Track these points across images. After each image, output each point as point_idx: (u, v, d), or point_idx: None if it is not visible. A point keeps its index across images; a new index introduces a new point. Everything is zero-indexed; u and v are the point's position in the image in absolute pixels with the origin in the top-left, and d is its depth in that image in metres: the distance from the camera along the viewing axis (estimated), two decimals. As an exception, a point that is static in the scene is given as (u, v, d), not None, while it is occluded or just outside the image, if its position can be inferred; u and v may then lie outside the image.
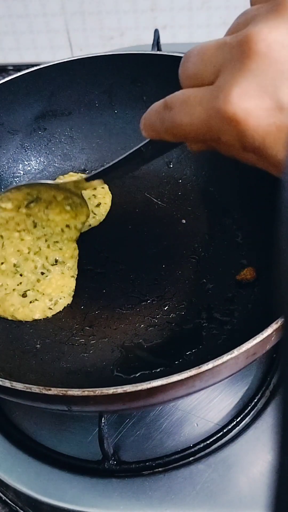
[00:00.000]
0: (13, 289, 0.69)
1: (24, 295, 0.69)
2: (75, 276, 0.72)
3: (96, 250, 0.75)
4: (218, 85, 0.39)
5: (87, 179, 0.63)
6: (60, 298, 0.69)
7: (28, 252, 0.69)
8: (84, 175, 0.83)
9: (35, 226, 0.69)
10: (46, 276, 0.70)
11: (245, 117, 0.38)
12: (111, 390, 0.47)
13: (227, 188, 0.78)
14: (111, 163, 0.59)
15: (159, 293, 0.69)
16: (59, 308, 0.69)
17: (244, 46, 0.38)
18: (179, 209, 0.79)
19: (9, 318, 0.68)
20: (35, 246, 0.70)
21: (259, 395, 0.64)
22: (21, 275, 0.69)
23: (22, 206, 0.68)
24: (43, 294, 0.69)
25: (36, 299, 0.68)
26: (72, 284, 0.71)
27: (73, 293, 0.70)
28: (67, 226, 0.70)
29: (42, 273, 0.69)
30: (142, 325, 0.66)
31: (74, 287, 0.71)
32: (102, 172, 0.60)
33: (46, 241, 0.70)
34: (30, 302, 0.68)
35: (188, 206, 0.79)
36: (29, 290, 0.69)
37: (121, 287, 0.70)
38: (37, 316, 0.68)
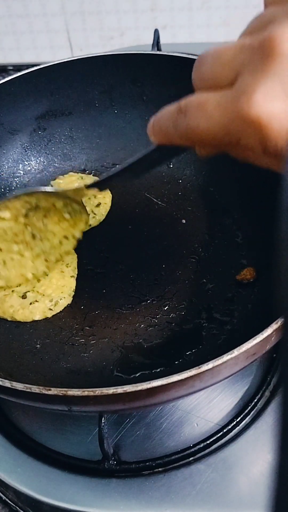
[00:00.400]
0: (12, 291, 0.69)
1: (24, 297, 0.68)
2: (75, 276, 0.72)
3: (96, 250, 0.75)
4: (239, 88, 0.38)
5: (88, 187, 0.62)
6: (61, 299, 0.69)
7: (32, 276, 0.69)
8: (85, 178, 0.83)
9: (34, 238, 0.68)
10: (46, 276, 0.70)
11: (269, 120, 0.37)
12: (111, 390, 0.47)
13: (227, 188, 0.78)
14: (114, 171, 0.57)
15: (159, 293, 0.69)
16: (59, 308, 0.69)
17: (266, 47, 0.36)
18: (179, 209, 0.79)
19: (9, 319, 0.68)
20: (34, 268, 0.70)
21: (259, 395, 0.64)
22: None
23: (21, 216, 0.68)
24: (43, 295, 0.69)
25: (36, 300, 0.68)
26: (72, 284, 0.71)
27: (73, 293, 0.70)
28: (65, 237, 0.69)
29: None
30: (142, 325, 0.66)
31: (74, 287, 0.71)
32: (105, 180, 0.59)
33: (46, 260, 0.69)
34: (30, 303, 0.68)
35: (188, 206, 0.79)
36: (29, 291, 0.69)
37: (121, 287, 0.70)
38: (37, 317, 0.68)
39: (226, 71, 0.39)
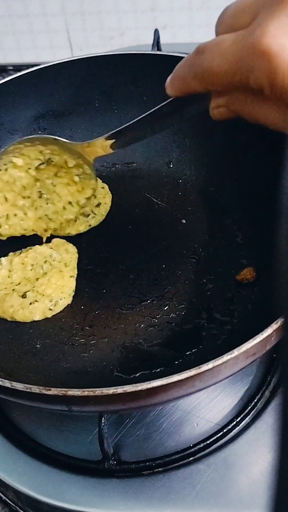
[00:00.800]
0: (13, 289, 0.69)
1: (23, 296, 0.68)
2: (75, 276, 0.72)
3: (96, 250, 0.75)
4: (254, 25, 0.40)
5: (107, 138, 0.61)
6: (61, 299, 0.69)
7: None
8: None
9: (40, 197, 0.68)
10: (45, 274, 0.70)
11: (279, 51, 0.38)
12: (111, 390, 0.47)
13: (227, 188, 0.78)
14: (129, 124, 0.58)
15: (159, 293, 0.69)
16: (59, 308, 0.69)
17: None
18: (179, 209, 0.79)
19: (9, 319, 0.68)
20: (34, 230, 0.70)
21: (259, 395, 0.64)
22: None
23: (32, 168, 0.66)
24: (43, 295, 0.69)
25: (36, 300, 0.68)
26: (72, 284, 0.71)
27: (73, 293, 0.70)
28: (70, 203, 0.69)
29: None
30: (142, 325, 0.66)
31: (74, 287, 0.71)
32: (122, 131, 0.59)
33: (46, 227, 0.69)
34: (30, 303, 0.68)
35: (188, 206, 0.79)
36: (28, 291, 0.69)
37: (121, 287, 0.70)
38: (37, 317, 0.68)
39: (245, 15, 0.42)
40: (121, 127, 0.60)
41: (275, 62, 0.38)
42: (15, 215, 0.69)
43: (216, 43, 0.43)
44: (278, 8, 0.39)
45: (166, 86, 0.50)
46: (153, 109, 0.55)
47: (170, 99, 0.52)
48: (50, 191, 0.68)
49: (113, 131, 0.61)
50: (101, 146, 0.63)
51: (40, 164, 0.66)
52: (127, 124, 0.59)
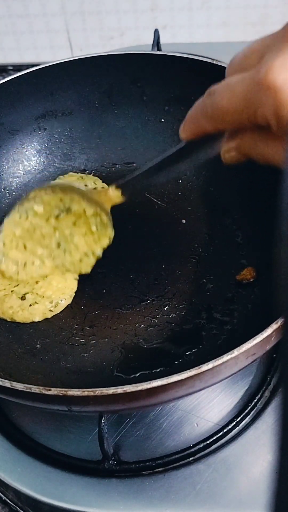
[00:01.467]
0: (11, 291, 0.69)
1: (23, 298, 0.68)
2: (78, 278, 0.71)
3: (96, 250, 0.75)
4: (261, 63, 0.42)
5: (120, 186, 0.63)
6: (61, 300, 0.69)
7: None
8: (85, 179, 0.83)
9: (58, 247, 0.68)
10: (46, 276, 0.70)
11: (283, 85, 0.40)
12: (111, 390, 0.47)
13: (227, 188, 0.78)
14: (140, 171, 0.59)
15: (159, 293, 0.69)
16: (59, 309, 0.69)
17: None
18: (179, 209, 0.79)
19: (8, 320, 0.68)
20: (51, 273, 0.70)
21: (259, 395, 0.64)
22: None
23: (52, 217, 0.67)
24: (43, 297, 0.68)
25: (35, 302, 0.68)
26: (74, 286, 0.70)
27: (74, 294, 0.70)
28: (86, 254, 0.69)
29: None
30: (142, 325, 0.66)
31: (75, 289, 0.70)
32: (131, 181, 0.60)
33: (62, 271, 0.69)
34: (30, 305, 0.68)
35: (188, 206, 0.79)
36: (28, 293, 0.69)
37: (121, 287, 0.70)
38: (37, 319, 0.68)
39: (253, 56, 0.45)
40: (131, 177, 0.61)
41: (280, 96, 0.40)
42: (33, 263, 0.68)
43: (226, 83, 0.45)
44: (283, 46, 0.41)
45: (180, 132, 0.51)
46: (164, 156, 0.55)
47: (182, 144, 0.53)
48: (68, 241, 0.69)
49: (124, 181, 0.62)
50: (115, 195, 0.64)
51: (60, 213, 0.67)
52: (137, 173, 0.60)
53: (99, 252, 0.68)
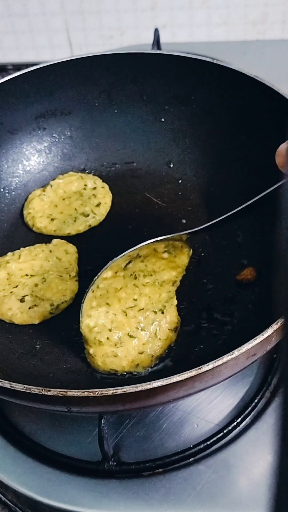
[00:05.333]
0: (11, 292, 0.69)
1: (22, 300, 0.68)
2: (77, 279, 0.71)
3: (96, 250, 0.75)
4: None
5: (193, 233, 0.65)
6: (62, 302, 0.68)
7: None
8: (84, 178, 0.82)
9: (135, 278, 0.66)
10: (44, 281, 0.70)
11: None
12: (110, 391, 0.47)
13: (227, 188, 0.78)
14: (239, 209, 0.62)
15: (159, 293, 0.69)
16: (60, 311, 0.68)
17: None
18: (179, 209, 0.79)
19: (7, 321, 0.68)
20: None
21: (260, 396, 0.64)
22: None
23: (120, 270, 0.65)
24: (43, 299, 0.68)
25: (35, 305, 0.68)
26: (75, 287, 0.70)
27: (74, 296, 0.70)
28: (173, 283, 0.67)
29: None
30: (142, 325, 0.66)
31: (76, 290, 0.70)
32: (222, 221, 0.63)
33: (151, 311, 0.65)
34: (29, 307, 0.67)
35: (188, 206, 0.79)
36: (27, 295, 0.68)
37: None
38: (37, 321, 0.67)
39: None
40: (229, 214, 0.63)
41: None
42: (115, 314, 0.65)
43: None
44: None
45: (280, 164, 0.47)
46: (271, 189, 0.55)
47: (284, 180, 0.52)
48: (143, 269, 0.67)
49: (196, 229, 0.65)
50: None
51: (128, 264, 0.66)
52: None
53: (181, 269, 0.68)
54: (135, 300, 0.64)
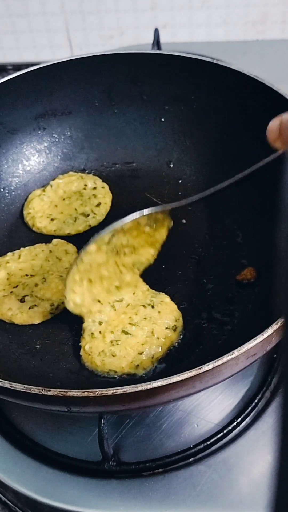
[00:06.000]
0: (11, 292, 0.69)
1: (22, 300, 0.68)
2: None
3: (96, 250, 0.75)
4: None
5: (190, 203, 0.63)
6: (62, 302, 0.68)
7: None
8: (84, 178, 0.82)
9: (117, 253, 0.66)
10: (44, 281, 0.70)
11: None
12: (110, 391, 0.47)
13: (227, 188, 0.78)
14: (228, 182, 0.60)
15: (159, 293, 0.69)
16: (60, 311, 0.68)
17: None
18: (179, 209, 0.79)
19: (7, 321, 0.68)
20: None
21: (260, 396, 0.64)
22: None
23: (104, 244, 0.65)
24: (42, 299, 0.68)
25: (35, 305, 0.68)
26: None
27: None
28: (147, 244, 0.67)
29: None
30: (142, 325, 0.66)
31: None
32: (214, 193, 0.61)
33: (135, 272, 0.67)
34: (29, 307, 0.67)
35: (188, 206, 0.79)
36: (27, 295, 0.68)
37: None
38: (37, 321, 0.68)
39: None
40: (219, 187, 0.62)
41: None
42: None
43: None
44: None
45: (272, 139, 0.48)
46: (261, 164, 0.55)
47: (278, 154, 0.52)
48: (124, 245, 0.66)
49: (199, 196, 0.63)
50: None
51: (111, 238, 0.65)
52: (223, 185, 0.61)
53: (160, 241, 0.67)
54: (117, 287, 0.65)
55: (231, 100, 0.77)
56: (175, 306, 0.66)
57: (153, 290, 0.68)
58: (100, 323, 0.64)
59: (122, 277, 0.65)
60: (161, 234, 0.67)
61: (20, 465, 0.60)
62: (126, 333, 0.63)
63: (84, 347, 0.63)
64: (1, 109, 0.80)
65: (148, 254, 0.66)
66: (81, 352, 0.63)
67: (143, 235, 0.66)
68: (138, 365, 0.61)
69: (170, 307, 0.65)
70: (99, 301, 0.64)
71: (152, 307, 0.65)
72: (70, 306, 0.63)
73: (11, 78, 0.79)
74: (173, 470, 0.59)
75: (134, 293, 0.66)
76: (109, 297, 0.65)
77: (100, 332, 0.63)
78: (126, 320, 0.64)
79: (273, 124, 0.48)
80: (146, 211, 0.64)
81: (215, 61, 0.78)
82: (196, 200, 0.62)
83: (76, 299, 0.63)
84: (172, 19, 1.14)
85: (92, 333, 0.63)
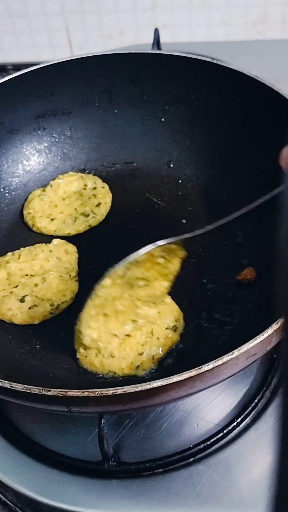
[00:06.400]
0: (11, 292, 0.69)
1: (22, 300, 0.68)
2: (78, 279, 0.71)
3: (96, 250, 0.75)
4: None
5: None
6: (62, 302, 0.68)
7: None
8: (84, 178, 0.83)
9: (131, 287, 0.65)
10: (44, 281, 0.70)
11: None
12: (110, 391, 0.47)
13: (227, 188, 0.78)
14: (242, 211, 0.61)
15: (159, 293, 0.69)
16: (60, 311, 0.68)
17: None
18: (179, 209, 0.79)
19: (7, 321, 0.68)
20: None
21: (260, 396, 0.64)
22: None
23: (118, 278, 0.64)
24: (42, 299, 0.68)
25: (35, 305, 0.68)
26: (75, 287, 0.70)
27: (75, 296, 0.70)
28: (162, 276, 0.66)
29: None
30: (142, 325, 0.66)
31: (77, 290, 0.70)
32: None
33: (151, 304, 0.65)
34: (29, 308, 0.67)
35: (188, 206, 0.79)
36: (27, 295, 0.68)
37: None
38: (37, 321, 0.67)
39: None
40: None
41: None
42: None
43: None
44: None
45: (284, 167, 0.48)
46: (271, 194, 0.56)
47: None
48: (139, 277, 0.65)
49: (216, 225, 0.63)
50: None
51: (125, 271, 0.64)
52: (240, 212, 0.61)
53: (175, 270, 0.65)
54: (132, 320, 0.64)
55: (231, 100, 0.77)
56: (176, 306, 0.66)
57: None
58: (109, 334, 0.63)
59: (137, 311, 0.64)
60: (175, 266, 0.66)
61: (20, 465, 0.60)
62: (125, 334, 0.62)
63: (79, 349, 0.62)
64: (1, 109, 0.80)
65: (162, 287, 0.66)
66: (78, 356, 0.63)
67: (156, 267, 0.66)
68: (138, 366, 0.61)
69: (170, 307, 0.65)
70: (116, 336, 0.63)
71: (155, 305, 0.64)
72: (87, 342, 0.62)
73: (11, 78, 0.79)
74: (173, 470, 0.59)
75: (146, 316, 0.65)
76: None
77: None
78: (129, 324, 0.63)
79: (286, 152, 0.48)
80: (160, 243, 0.64)
81: (215, 61, 0.77)
82: (211, 229, 0.63)
83: (93, 335, 0.62)
84: (172, 19, 1.14)
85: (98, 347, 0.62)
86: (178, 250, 0.65)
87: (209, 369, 0.47)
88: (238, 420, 0.62)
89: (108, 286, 0.64)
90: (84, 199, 0.80)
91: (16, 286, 0.70)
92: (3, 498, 0.62)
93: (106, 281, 0.63)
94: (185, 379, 0.46)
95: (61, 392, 0.47)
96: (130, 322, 0.63)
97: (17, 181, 0.83)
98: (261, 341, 0.48)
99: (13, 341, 0.67)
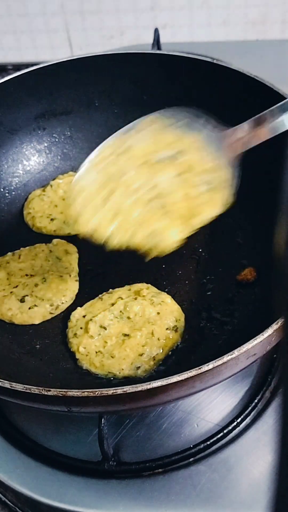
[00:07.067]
0: (11, 292, 0.69)
1: (22, 300, 0.68)
2: (78, 279, 0.71)
3: (96, 250, 0.75)
4: None
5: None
6: (62, 302, 0.68)
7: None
8: None
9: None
10: (44, 281, 0.70)
11: None
12: (110, 391, 0.47)
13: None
14: None
15: (159, 293, 0.69)
16: (60, 311, 0.68)
17: None
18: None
19: (7, 321, 0.68)
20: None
21: (260, 396, 0.64)
22: None
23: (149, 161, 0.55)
24: (42, 299, 0.68)
25: (35, 305, 0.68)
26: (75, 287, 0.70)
27: (75, 296, 0.70)
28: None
29: None
30: (142, 325, 0.66)
31: (77, 290, 0.70)
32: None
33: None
34: (29, 308, 0.67)
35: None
36: (27, 295, 0.68)
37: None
38: (37, 321, 0.67)
39: None
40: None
41: None
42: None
43: None
44: None
45: None
46: None
47: None
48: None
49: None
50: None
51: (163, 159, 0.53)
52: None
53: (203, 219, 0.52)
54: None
55: (231, 100, 0.77)
56: (177, 306, 0.66)
57: (155, 289, 0.68)
58: (83, 316, 0.65)
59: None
60: (213, 208, 0.55)
61: (20, 465, 0.60)
62: (125, 334, 0.62)
63: (78, 349, 0.62)
64: (1, 109, 0.80)
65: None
66: (78, 356, 0.63)
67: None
68: (139, 367, 0.61)
69: (171, 308, 0.65)
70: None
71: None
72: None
73: (11, 78, 0.79)
74: (173, 470, 0.59)
75: (135, 298, 0.66)
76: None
77: (81, 328, 0.64)
78: (127, 324, 0.64)
79: None
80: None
81: (215, 61, 0.77)
82: None
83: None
84: (172, 19, 1.14)
85: (75, 333, 0.64)
86: (227, 188, 0.55)
87: (209, 369, 0.47)
88: (238, 420, 0.62)
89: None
90: (84, 199, 0.80)
91: (16, 286, 0.70)
92: (3, 498, 0.62)
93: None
94: (185, 379, 0.46)
95: (61, 392, 0.47)
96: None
97: (17, 181, 0.83)
98: (261, 341, 0.48)
99: (13, 341, 0.67)
